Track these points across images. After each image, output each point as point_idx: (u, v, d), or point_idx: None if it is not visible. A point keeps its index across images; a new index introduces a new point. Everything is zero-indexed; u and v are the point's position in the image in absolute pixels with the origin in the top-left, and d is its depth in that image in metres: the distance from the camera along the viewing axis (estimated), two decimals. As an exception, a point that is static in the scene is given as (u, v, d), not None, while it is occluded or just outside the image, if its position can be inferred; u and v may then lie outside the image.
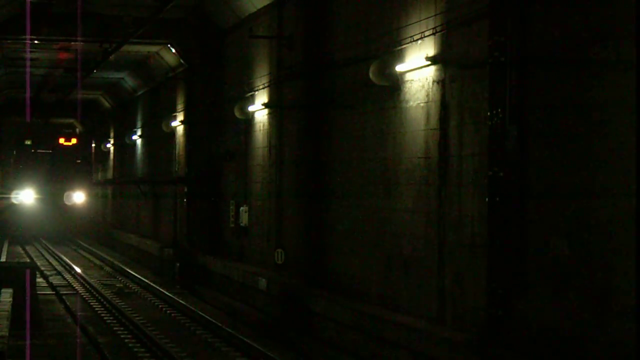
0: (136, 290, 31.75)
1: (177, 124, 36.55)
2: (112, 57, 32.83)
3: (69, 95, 48.08)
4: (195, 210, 33.09)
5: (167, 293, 29.16)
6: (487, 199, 14.46)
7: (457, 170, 16.00)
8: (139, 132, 46.59)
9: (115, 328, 23.57)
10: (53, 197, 51.62)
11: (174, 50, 34.07)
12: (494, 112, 14.17)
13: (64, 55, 38.09)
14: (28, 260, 41.69)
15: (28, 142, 64.11)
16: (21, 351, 18.90)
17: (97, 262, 43.13)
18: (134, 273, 35.47)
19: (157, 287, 30.60)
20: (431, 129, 16.88)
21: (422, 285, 17.19)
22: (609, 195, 12.18)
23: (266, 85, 26.33)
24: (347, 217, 20.78)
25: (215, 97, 32.00)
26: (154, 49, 36.37)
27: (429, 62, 16.79)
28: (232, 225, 29.67)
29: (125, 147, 50.19)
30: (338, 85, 21.42)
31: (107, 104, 55.57)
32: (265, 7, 26.37)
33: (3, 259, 40.58)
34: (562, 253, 13.02)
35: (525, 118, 13.83)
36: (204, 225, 32.42)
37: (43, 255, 46.35)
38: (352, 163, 20.50)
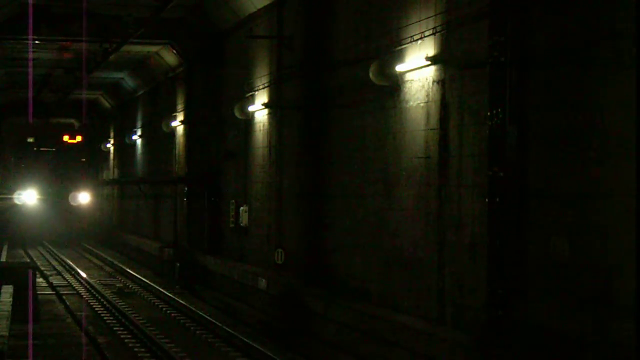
0: (136, 290, 31.75)
1: (177, 124, 36.54)
2: (112, 57, 32.84)
3: (69, 95, 48.05)
4: (195, 210, 33.08)
5: (167, 293, 29.15)
6: (487, 199, 14.45)
7: (457, 170, 15.99)
8: (139, 132, 46.57)
9: (115, 328, 23.57)
10: (57, 197, 51.38)
11: (174, 51, 34.07)
12: (494, 112, 14.16)
13: (64, 55, 38.08)
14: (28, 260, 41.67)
15: (30, 140, 63.53)
16: (21, 351, 18.90)
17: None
18: (133, 273, 35.48)
19: (157, 287, 30.59)
20: (431, 129, 16.88)
21: (422, 286, 17.19)
22: (608, 195, 12.18)
23: (266, 85, 26.32)
24: (347, 217, 20.77)
25: (215, 97, 32.00)
26: (154, 49, 36.37)
27: (429, 62, 16.79)
28: (232, 225, 29.65)
29: (125, 147, 50.14)
30: (338, 85, 21.40)
31: (107, 104, 55.53)
32: (265, 7, 26.36)
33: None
34: (562, 253, 13.01)
35: (525, 118, 13.83)
36: (204, 225, 32.42)
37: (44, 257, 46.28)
38: (352, 163, 20.50)
